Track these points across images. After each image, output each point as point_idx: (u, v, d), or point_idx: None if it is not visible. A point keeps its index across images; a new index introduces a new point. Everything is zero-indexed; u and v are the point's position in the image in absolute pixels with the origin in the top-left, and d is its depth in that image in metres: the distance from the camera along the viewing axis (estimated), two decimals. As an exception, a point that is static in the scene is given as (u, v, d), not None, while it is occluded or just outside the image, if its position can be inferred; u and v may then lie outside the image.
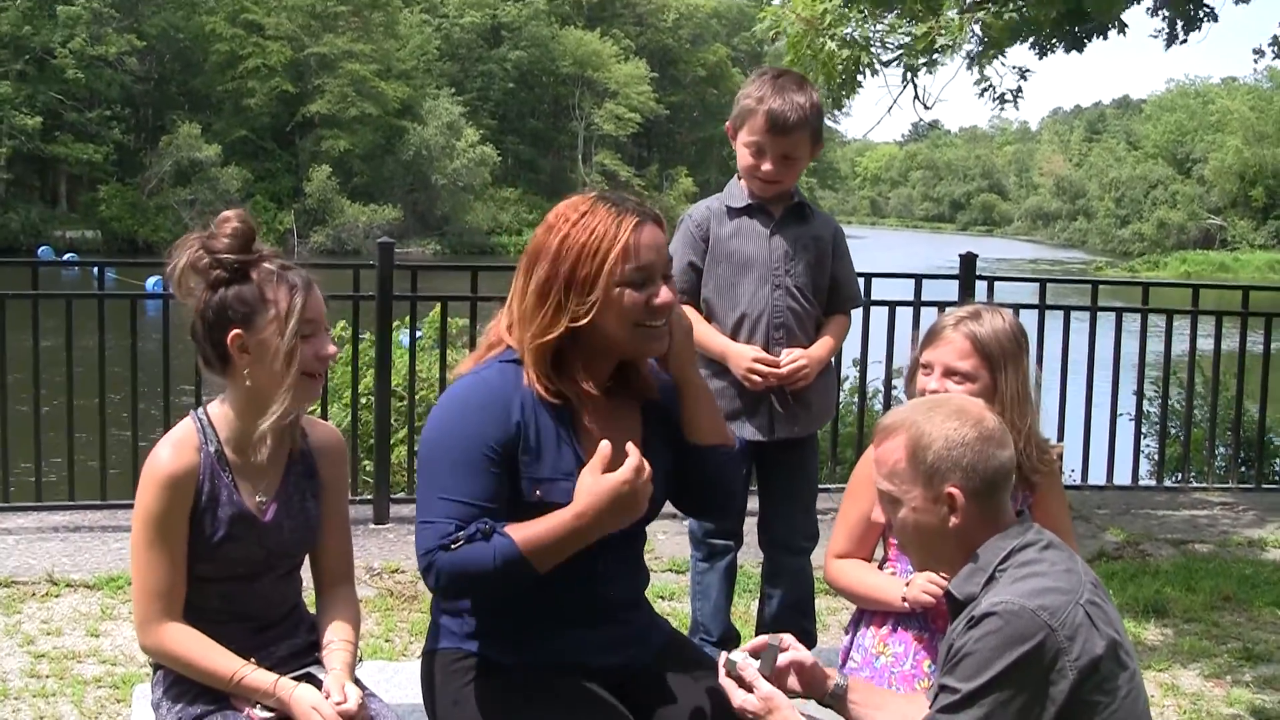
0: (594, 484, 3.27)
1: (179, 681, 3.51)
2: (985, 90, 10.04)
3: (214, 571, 3.49)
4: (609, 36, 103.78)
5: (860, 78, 9.51)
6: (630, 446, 3.29)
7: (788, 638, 3.40)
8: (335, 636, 3.63)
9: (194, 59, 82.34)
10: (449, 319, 9.41)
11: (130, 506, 8.36)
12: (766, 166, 5.13)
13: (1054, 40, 9.96)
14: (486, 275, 9.17)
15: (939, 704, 3.02)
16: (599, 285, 3.33)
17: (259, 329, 3.42)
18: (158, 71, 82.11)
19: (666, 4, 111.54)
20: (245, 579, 3.55)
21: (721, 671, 3.24)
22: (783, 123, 5.04)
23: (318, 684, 3.45)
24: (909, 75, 9.62)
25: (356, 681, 3.54)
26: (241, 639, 3.50)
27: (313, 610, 3.80)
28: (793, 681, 3.38)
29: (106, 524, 8.39)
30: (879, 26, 9.20)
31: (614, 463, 3.29)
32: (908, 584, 3.98)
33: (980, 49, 9.50)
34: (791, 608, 5.46)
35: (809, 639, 5.38)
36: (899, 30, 9.02)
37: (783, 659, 3.36)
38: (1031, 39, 9.89)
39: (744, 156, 5.19)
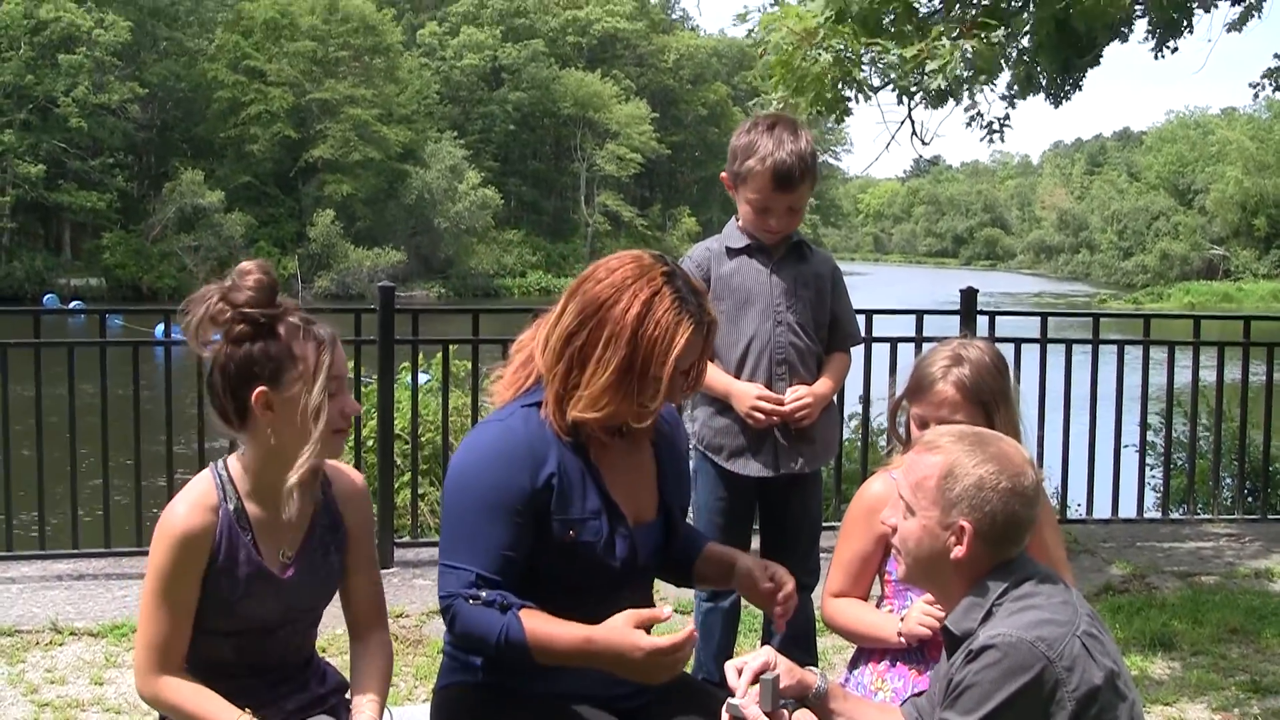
0: (623, 633, 3.29)
1: None
2: (974, 119, 10.07)
3: (230, 626, 3.44)
4: (610, 77, 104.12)
5: (851, 101, 9.54)
6: (689, 629, 3.32)
7: (767, 652, 3.37)
8: (364, 690, 3.58)
9: (196, 106, 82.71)
10: (452, 361, 9.40)
11: (133, 554, 8.43)
12: (774, 223, 5.17)
13: (1061, 84, 10.00)
14: (488, 318, 9.17)
15: (940, 738, 3.01)
16: (652, 387, 3.40)
17: (285, 386, 3.34)
18: (160, 119, 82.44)
19: (667, 44, 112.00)
20: (261, 632, 3.49)
21: (724, 716, 3.22)
22: (787, 179, 5.07)
23: None
24: (903, 100, 9.63)
25: None
26: (253, 692, 3.45)
27: (323, 655, 3.77)
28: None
29: (110, 572, 8.38)
30: (868, 50, 9.22)
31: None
32: (903, 619, 3.97)
33: (970, 75, 9.52)
34: (793, 643, 5.46)
35: None
36: (889, 53, 9.04)
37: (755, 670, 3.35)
38: (1043, 90, 9.94)
39: (748, 212, 5.22)
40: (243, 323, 3.34)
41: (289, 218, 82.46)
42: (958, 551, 3.16)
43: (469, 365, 9.65)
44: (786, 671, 3.34)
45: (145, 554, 8.41)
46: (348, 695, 3.68)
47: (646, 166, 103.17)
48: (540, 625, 3.32)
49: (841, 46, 8.84)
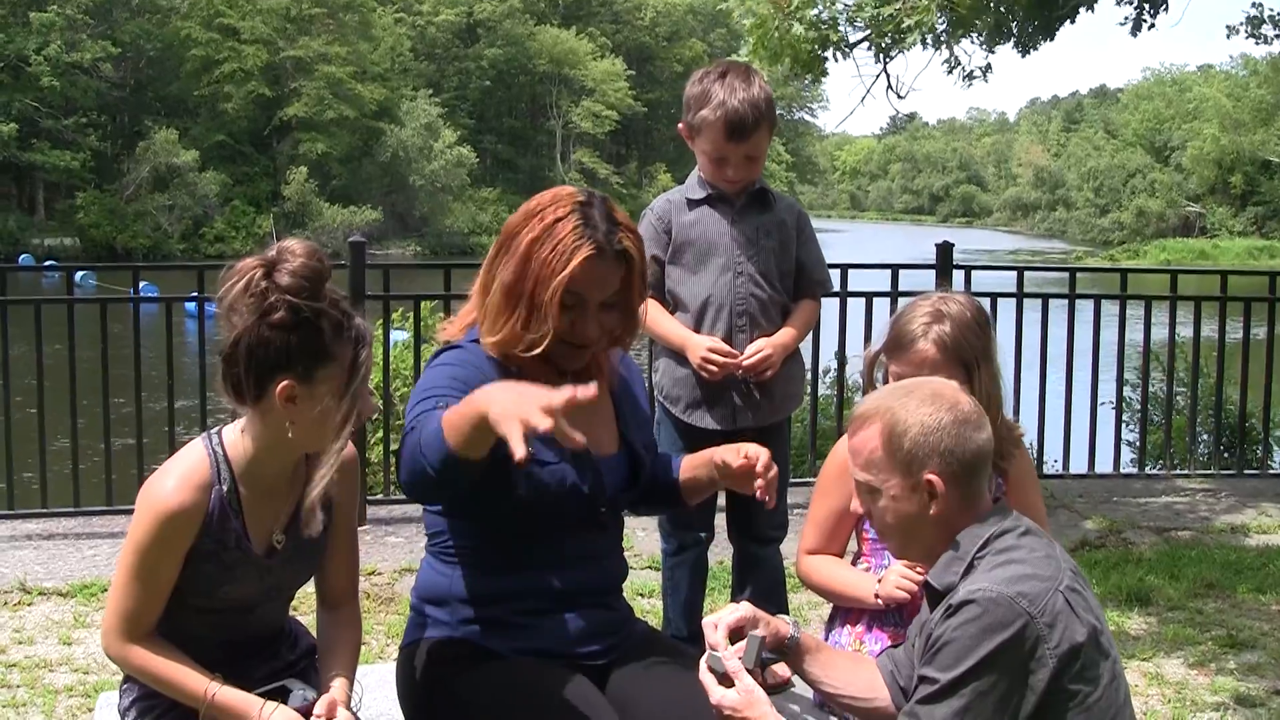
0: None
1: (150, 694, 3.39)
2: (954, 69, 10.02)
3: (208, 605, 3.33)
4: (585, 34, 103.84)
5: (828, 60, 9.48)
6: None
7: (744, 606, 3.32)
8: (334, 665, 3.49)
9: (169, 65, 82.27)
10: (424, 317, 9.34)
11: (103, 513, 8.36)
12: (731, 173, 5.10)
13: (1031, 34, 9.95)
14: (460, 274, 9.10)
15: (919, 694, 2.96)
16: (541, 311, 3.38)
17: (314, 382, 3.17)
18: (133, 78, 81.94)
19: (643, 1, 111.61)
20: (239, 611, 3.40)
21: (702, 666, 3.17)
22: (741, 128, 4.99)
23: (289, 694, 3.33)
24: (880, 58, 9.59)
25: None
26: (223, 663, 3.34)
27: (298, 619, 3.71)
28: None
29: (80, 531, 8.31)
30: (845, 3, 9.16)
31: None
32: (880, 580, 3.92)
33: (948, 29, 9.47)
34: (763, 598, 5.40)
35: None
36: (866, 10, 8.98)
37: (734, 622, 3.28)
38: (1013, 38, 9.89)
39: (705, 162, 5.15)
40: (286, 310, 3.14)
41: (264, 176, 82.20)
42: (934, 507, 3.10)
43: (442, 318, 9.60)
44: (761, 621, 3.30)
45: (115, 513, 8.46)
46: (317, 658, 3.60)
47: (622, 124, 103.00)
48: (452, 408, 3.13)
49: (819, 10, 8.80)
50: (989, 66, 10.22)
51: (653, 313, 4.72)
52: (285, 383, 3.16)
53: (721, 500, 5.34)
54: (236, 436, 3.33)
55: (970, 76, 10.08)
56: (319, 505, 3.33)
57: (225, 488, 3.28)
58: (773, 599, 5.44)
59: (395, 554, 7.86)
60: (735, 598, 5.53)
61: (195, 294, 8.97)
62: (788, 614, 5.50)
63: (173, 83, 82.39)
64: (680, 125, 5.26)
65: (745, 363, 5.05)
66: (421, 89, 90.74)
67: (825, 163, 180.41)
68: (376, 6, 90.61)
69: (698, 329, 5.11)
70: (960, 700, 2.88)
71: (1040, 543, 3.09)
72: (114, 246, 72.27)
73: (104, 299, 8.96)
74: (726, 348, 5.04)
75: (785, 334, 5.19)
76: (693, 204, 5.20)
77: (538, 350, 3.41)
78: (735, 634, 3.24)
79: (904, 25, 8.74)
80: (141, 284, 9.80)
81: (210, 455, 3.30)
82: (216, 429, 3.39)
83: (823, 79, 9.57)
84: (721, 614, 3.24)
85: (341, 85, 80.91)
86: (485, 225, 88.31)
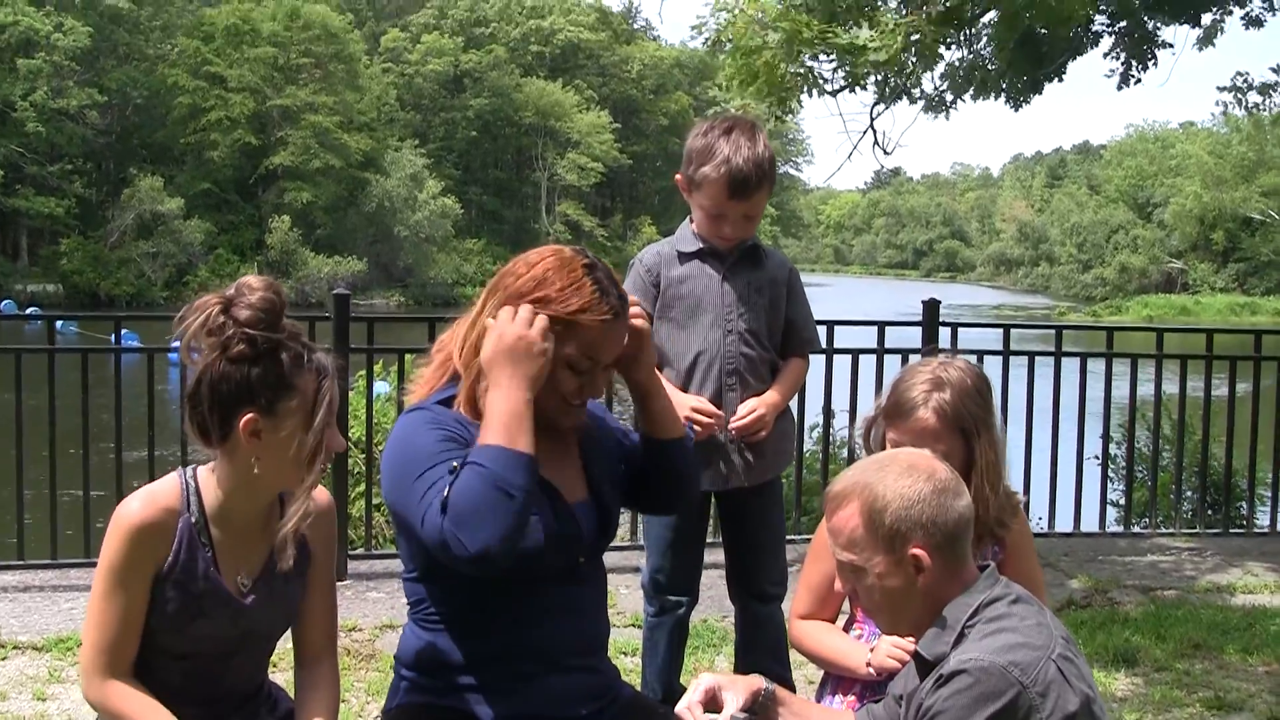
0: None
1: None
2: (929, 106, 10.08)
3: (181, 647, 3.28)
4: (571, 86, 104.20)
5: (804, 95, 9.49)
6: None
7: (708, 678, 3.33)
8: None
9: (156, 112, 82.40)
10: (408, 370, 9.29)
11: (81, 565, 8.28)
12: (729, 230, 5.06)
13: (1021, 89, 10.02)
14: (444, 326, 9.06)
15: (909, 765, 2.92)
16: (554, 362, 3.38)
17: (278, 416, 3.18)
18: (119, 125, 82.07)
19: (630, 55, 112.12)
20: (213, 659, 3.34)
21: None
22: (743, 187, 4.95)
23: None
24: (855, 90, 9.59)
25: None
26: (197, 716, 3.30)
27: (277, 679, 3.64)
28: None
29: (57, 583, 8.22)
30: (820, 39, 9.17)
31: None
32: (872, 650, 3.87)
33: (917, 58, 9.50)
34: (768, 655, 5.38)
35: (787, 687, 5.30)
36: (839, 37, 8.99)
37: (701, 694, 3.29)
38: (1004, 91, 9.95)
39: (702, 218, 5.11)
40: (244, 343, 3.16)
41: (249, 225, 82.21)
42: (922, 580, 3.06)
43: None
44: (729, 684, 3.30)
45: (93, 565, 8.33)
46: None
47: (608, 176, 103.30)
48: (482, 434, 3.28)
49: (790, 27, 8.78)
50: (954, 101, 10.28)
51: None
52: (249, 416, 3.17)
53: (717, 557, 5.31)
54: (207, 474, 3.33)
55: (937, 108, 10.12)
56: (291, 541, 3.32)
57: (194, 518, 3.28)
58: (778, 656, 5.41)
59: (376, 609, 7.79)
60: (739, 658, 5.51)
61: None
62: (790, 672, 5.48)
63: (159, 130, 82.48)
64: (678, 176, 5.21)
65: (739, 424, 5.03)
66: (407, 139, 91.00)
67: (810, 216, 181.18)
68: (364, 56, 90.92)
69: (686, 386, 5.07)
70: (952, 771, 2.83)
71: (1031, 610, 3.06)
72: (97, 293, 72.27)
73: (85, 349, 8.90)
74: (711, 407, 5.00)
75: (776, 393, 5.17)
76: (684, 257, 5.16)
77: (570, 421, 3.49)
78: (710, 704, 3.22)
79: (871, 47, 8.72)
80: (123, 332, 9.74)
81: (182, 486, 3.31)
82: (192, 466, 3.38)
83: (798, 110, 9.55)
84: (689, 695, 3.25)
85: (328, 135, 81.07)
86: (469, 276, 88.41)
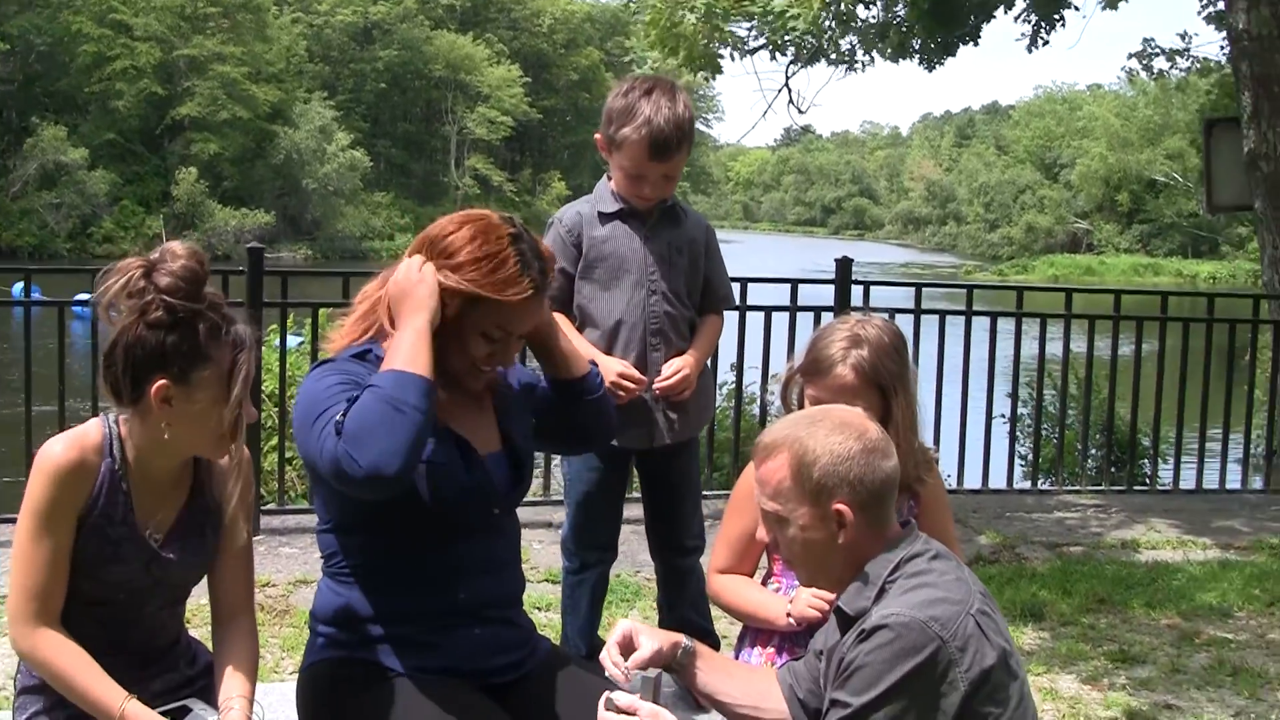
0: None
1: (46, 710, 3.32)
2: (836, 61, 10.15)
3: (93, 591, 3.27)
4: (482, 40, 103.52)
5: (724, 59, 9.53)
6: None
7: (625, 624, 3.37)
8: (232, 686, 3.41)
9: (59, 60, 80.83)
10: (321, 324, 9.23)
11: (-11, 518, 8.18)
12: (648, 190, 5.07)
13: (934, 50, 10.11)
14: (359, 281, 9.00)
15: (831, 717, 2.98)
16: (466, 328, 3.44)
17: (191, 385, 3.18)
18: (22, 72, 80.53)
19: (541, 8, 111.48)
20: (126, 605, 3.34)
21: (601, 707, 3.16)
22: (665, 147, 4.96)
23: (189, 714, 3.28)
24: (776, 57, 9.64)
25: None
26: (119, 671, 3.26)
27: (196, 637, 3.64)
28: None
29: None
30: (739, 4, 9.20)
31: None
32: (791, 601, 3.92)
33: (835, 22, 9.58)
34: (691, 608, 5.44)
35: (711, 640, 5.35)
36: (755, 3, 9.02)
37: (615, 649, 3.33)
38: (916, 52, 10.02)
39: (621, 178, 5.11)
40: (162, 309, 3.16)
41: (154, 176, 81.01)
42: (844, 536, 3.10)
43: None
44: (649, 634, 3.33)
45: None
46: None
47: (517, 130, 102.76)
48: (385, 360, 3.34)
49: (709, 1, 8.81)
50: (872, 59, 10.38)
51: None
52: (160, 383, 3.17)
53: (638, 512, 5.35)
54: (126, 425, 3.32)
55: (850, 65, 10.20)
56: (244, 519, 3.42)
57: (116, 464, 3.28)
58: (699, 610, 5.47)
59: (289, 565, 7.77)
60: (662, 613, 5.56)
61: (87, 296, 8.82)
62: (712, 624, 5.54)
63: (62, 78, 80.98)
64: (598, 136, 5.20)
65: (664, 384, 5.06)
66: (316, 91, 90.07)
67: (719, 173, 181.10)
68: (272, 6, 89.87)
69: (610, 347, 5.10)
70: (873, 724, 2.89)
71: (950, 566, 3.11)
72: (-2, 244, 71.17)
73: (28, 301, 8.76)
74: (636, 373, 5.03)
75: (698, 351, 5.21)
76: (605, 218, 5.16)
77: (478, 384, 3.54)
78: (628, 649, 3.26)
79: (789, 14, 8.76)
80: (19, 285, 9.64)
81: (105, 431, 3.31)
82: (115, 412, 3.35)
83: (717, 75, 9.59)
84: (609, 644, 3.29)
85: (235, 86, 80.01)
86: (377, 230, 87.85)
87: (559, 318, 4.20)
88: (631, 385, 5.01)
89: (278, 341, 9.50)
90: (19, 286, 21.76)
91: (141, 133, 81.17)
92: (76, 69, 79.83)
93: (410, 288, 3.38)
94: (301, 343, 10.75)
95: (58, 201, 73.40)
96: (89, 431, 3.30)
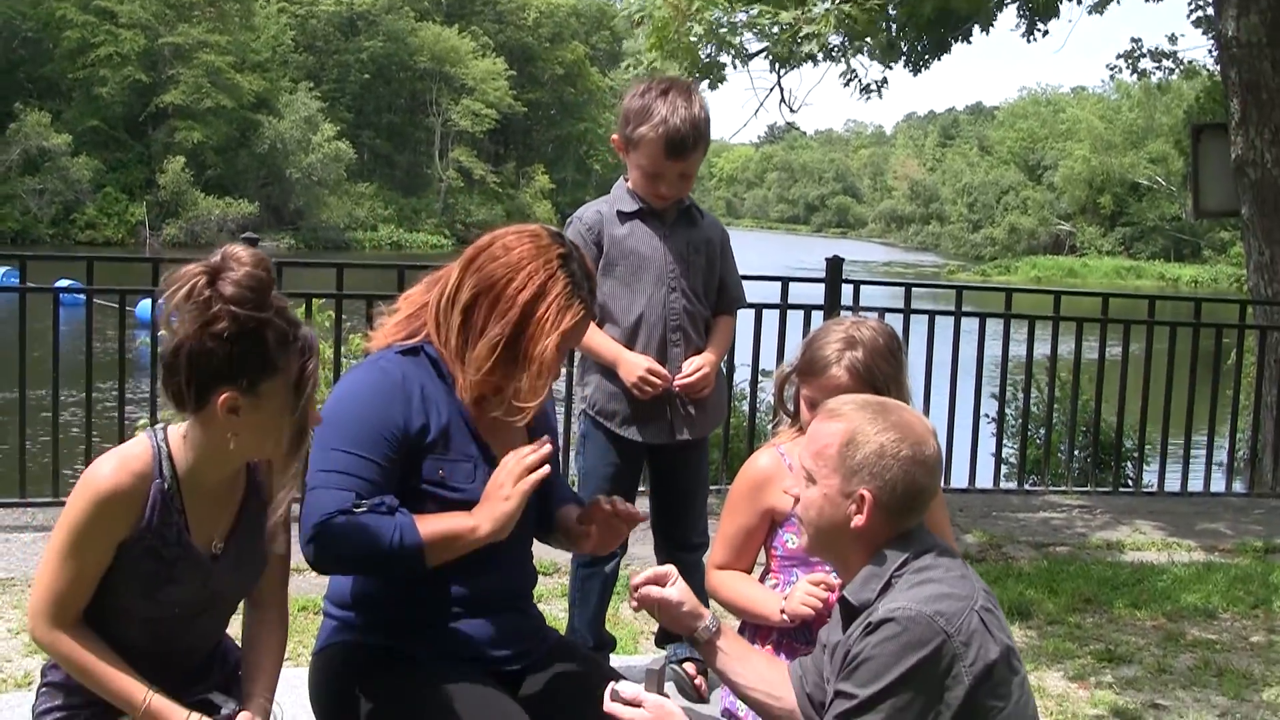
0: (490, 488, 3.40)
1: (69, 705, 3.31)
2: (850, 80, 10.17)
3: (147, 611, 3.23)
4: (467, 33, 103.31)
5: (724, 68, 9.57)
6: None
7: (668, 569, 3.52)
8: (258, 674, 3.42)
9: (43, 46, 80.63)
10: (314, 315, 9.28)
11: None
12: (665, 189, 5.12)
13: (922, 52, 10.14)
14: (354, 272, 9.04)
15: (836, 709, 3.02)
16: (534, 365, 3.44)
17: (259, 395, 3.09)
18: (5, 57, 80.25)
19: (527, 2, 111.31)
20: (179, 620, 3.29)
21: (607, 698, 3.21)
22: (681, 146, 5.01)
23: (215, 709, 3.27)
24: (775, 69, 9.69)
25: None
26: (152, 674, 3.23)
27: (230, 636, 3.63)
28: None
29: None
30: (743, 15, 9.24)
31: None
32: (786, 597, 3.97)
33: (845, 41, 9.62)
34: None
35: None
36: (765, 19, 9.07)
37: (653, 590, 3.49)
38: (907, 54, 10.06)
39: (639, 178, 5.16)
40: (227, 320, 3.04)
41: (138, 163, 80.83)
42: (858, 520, 3.15)
43: (331, 319, 9.52)
44: (683, 591, 3.46)
45: (14, 505, 8.30)
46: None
47: (502, 123, 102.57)
48: (429, 522, 3.36)
49: (718, 16, 8.86)
50: (885, 80, 10.41)
51: None
52: (227, 394, 3.09)
53: (644, 506, 5.40)
54: (179, 439, 3.25)
55: (867, 90, 10.24)
56: (282, 529, 3.37)
57: (166, 484, 3.20)
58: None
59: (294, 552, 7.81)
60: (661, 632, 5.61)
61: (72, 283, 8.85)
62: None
63: (46, 64, 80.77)
64: (614, 137, 5.25)
65: (686, 382, 5.12)
66: (301, 81, 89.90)
67: (702, 169, 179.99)
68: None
69: (631, 343, 5.15)
70: (878, 716, 2.95)
71: (955, 563, 3.17)
72: (-20, 229, 70.90)
73: (23, 288, 8.78)
74: (662, 370, 5.09)
75: (715, 351, 5.28)
76: (624, 217, 5.21)
77: (532, 402, 3.49)
78: (659, 582, 3.46)
79: (801, 34, 8.83)
80: (1, 271, 9.64)
81: (154, 450, 3.22)
82: (163, 425, 3.30)
83: (720, 84, 9.64)
84: (639, 578, 3.45)
85: (220, 74, 79.84)
86: (360, 220, 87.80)
87: None
88: (658, 382, 5.06)
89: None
90: (0, 272, 21.78)
91: (125, 120, 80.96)
92: (60, 54, 79.62)
93: (499, 498, 3.38)
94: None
95: (41, 187, 73.21)
96: (137, 453, 3.21)
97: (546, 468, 3.39)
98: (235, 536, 3.35)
